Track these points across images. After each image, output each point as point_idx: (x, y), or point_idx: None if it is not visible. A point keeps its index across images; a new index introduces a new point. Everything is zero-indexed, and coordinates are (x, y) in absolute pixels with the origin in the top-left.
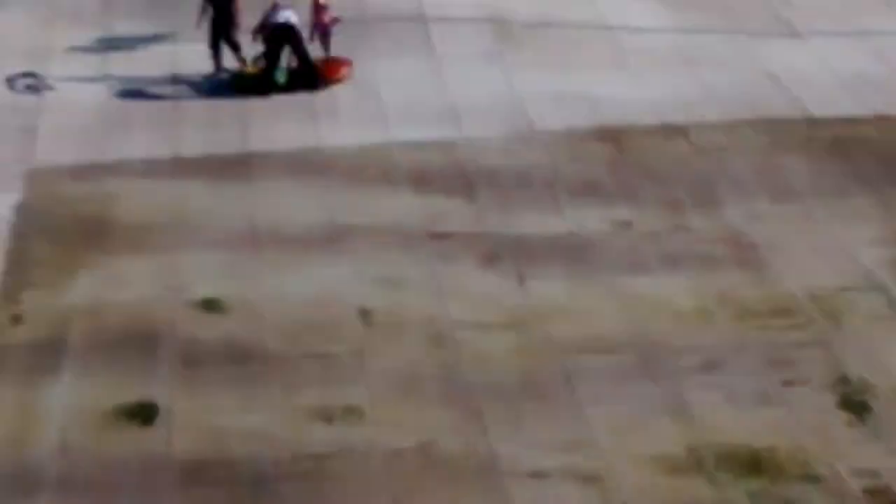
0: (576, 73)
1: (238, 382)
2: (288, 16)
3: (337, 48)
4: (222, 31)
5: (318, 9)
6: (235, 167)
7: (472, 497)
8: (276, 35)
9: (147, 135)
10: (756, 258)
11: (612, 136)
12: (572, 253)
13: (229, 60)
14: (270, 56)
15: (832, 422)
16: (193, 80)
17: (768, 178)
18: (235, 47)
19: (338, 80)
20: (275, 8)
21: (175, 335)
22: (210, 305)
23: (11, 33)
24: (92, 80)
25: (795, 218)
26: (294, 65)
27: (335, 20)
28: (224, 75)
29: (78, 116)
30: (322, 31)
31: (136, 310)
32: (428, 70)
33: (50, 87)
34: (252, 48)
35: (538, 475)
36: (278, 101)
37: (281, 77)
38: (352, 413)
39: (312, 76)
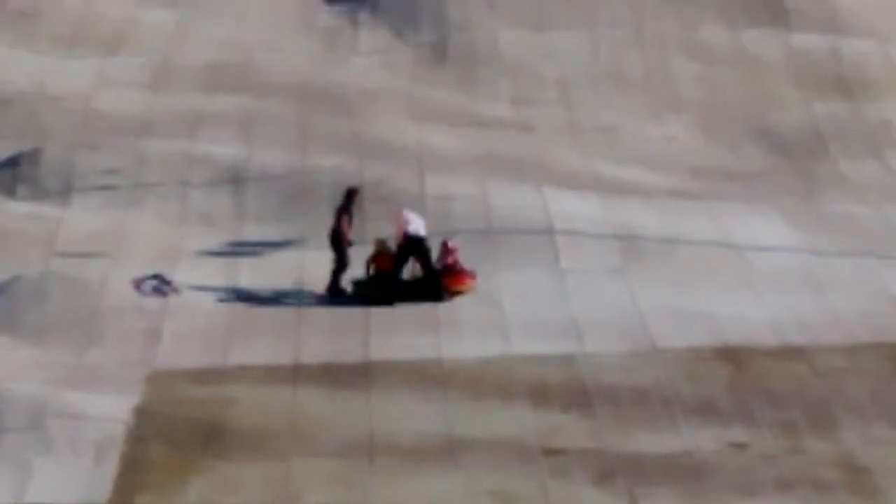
0: (700, 290)
1: None
2: (419, 227)
3: (463, 259)
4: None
5: (445, 252)
6: (354, 376)
7: None
8: (407, 245)
9: (269, 341)
10: (870, 484)
11: (733, 356)
12: (686, 473)
13: (355, 270)
14: (398, 263)
15: None
16: (319, 288)
17: (887, 404)
18: (342, 265)
19: (462, 292)
20: (404, 216)
21: None
22: None
23: (143, 234)
24: (218, 284)
25: None
26: (419, 274)
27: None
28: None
29: (202, 320)
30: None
31: None
32: (552, 284)
33: (176, 291)
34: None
35: None
36: (400, 311)
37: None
38: None
39: (436, 287)
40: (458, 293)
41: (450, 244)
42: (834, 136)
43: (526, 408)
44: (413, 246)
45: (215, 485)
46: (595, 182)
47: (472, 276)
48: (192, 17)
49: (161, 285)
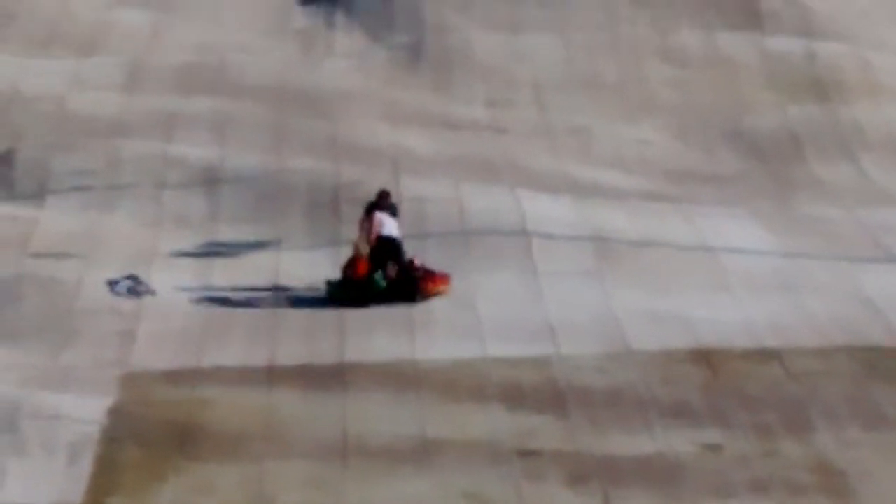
0: (674, 293)
1: None
2: (392, 228)
3: (438, 261)
4: None
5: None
6: (329, 378)
7: None
8: (380, 246)
9: (244, 342)
10: (845, 486)
11: (707, 358)
12: (660, 475)
13: (330, 272)
14: (373, 265)
15: None
16: (294, 289)
17: (861, 406)
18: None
19: (436, 294)
20: (377, 218)
21: None
22: None
23: (117, 235)
24: (193, 285)
25: (887, 447)
26: (393, 275)
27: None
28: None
29: (177, 322)
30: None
31: None
32: (526, 286)
33: (151, 292)
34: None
35: None
36: (375, 312)
37: (381, 282)
38: None
39: (411, 288)
40: (432, 295)
41: (416, 262)
42: (808, 139)
43: (500, 410)
44: (386, 247)
45: (189, 487)
46: (569, 184)
47: (447, 278)
48: (167, 19)
49: (136, 286)
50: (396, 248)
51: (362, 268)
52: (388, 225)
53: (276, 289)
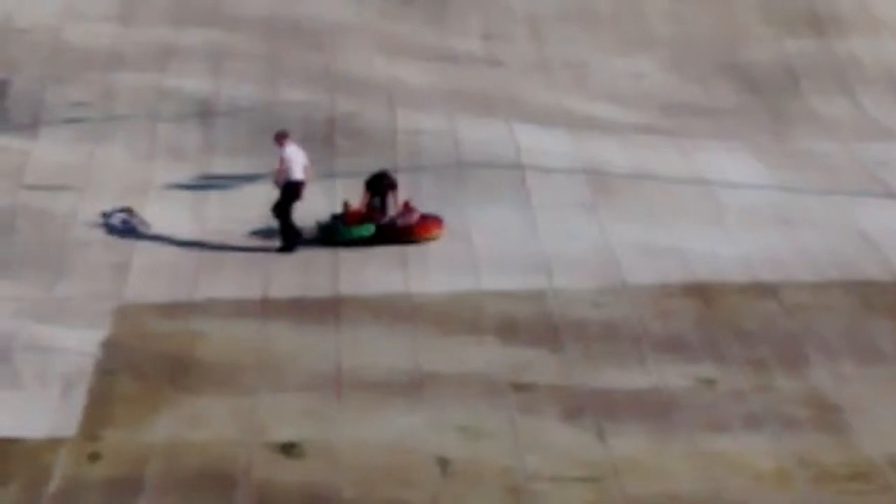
0: (669, 226)
1: None
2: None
3: (432, 195)
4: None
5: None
6: (323, 311)
7: None
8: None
9: (238, 275)
10: (839, 421)
11: (702, 292)
12: (654, 409)
13: (324, 203)
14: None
15: None
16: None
17: (856, 341)
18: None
19: (429, 238)
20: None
21: (251, 478)
22: (288, 449)
23: (111, 168)
24: (187, 217)
25: (881, 381)
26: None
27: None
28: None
29: (171, 254)
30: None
31: (215, 450)
32: (521, 219)
33: (145, 224)
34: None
35: None
36: (370, 246)
37: (364, 231)
38: None
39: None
40: (426, 240)
41: (410, 204)
42: (805, 72)
43: (495, 343)
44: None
45: (183, 418)
46: (565, 118)
47: (439, 223)
48: None
49: (130, 218)
50: (290, 195)
51: (352, 216)
52: (298, 163)
53: (271, 222)
